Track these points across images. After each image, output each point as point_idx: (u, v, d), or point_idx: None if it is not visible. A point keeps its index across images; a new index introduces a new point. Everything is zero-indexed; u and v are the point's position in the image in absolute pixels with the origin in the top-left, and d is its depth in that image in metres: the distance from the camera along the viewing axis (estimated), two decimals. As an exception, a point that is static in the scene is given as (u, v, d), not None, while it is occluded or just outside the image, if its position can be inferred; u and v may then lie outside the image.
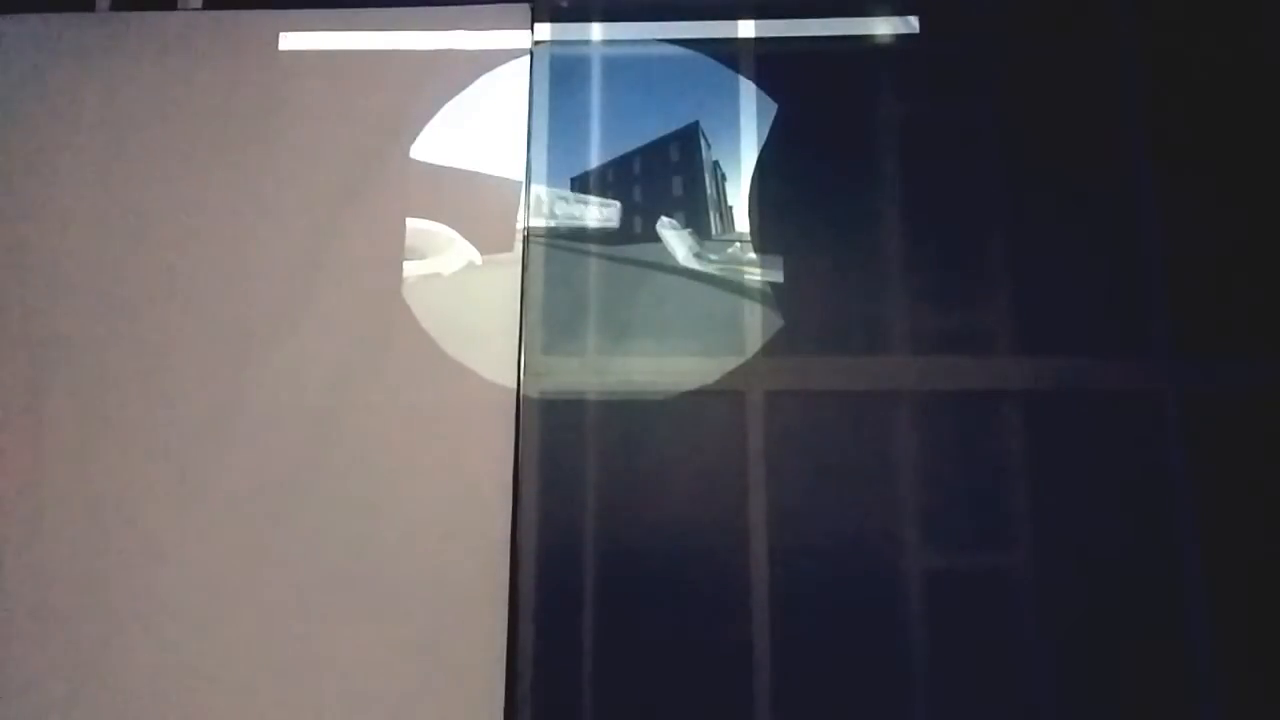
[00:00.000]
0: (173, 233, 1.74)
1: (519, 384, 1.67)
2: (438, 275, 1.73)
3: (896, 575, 1.60)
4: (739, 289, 1.72)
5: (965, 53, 1.81)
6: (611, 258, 1.74)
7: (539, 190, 1.77)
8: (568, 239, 1.75)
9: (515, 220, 1.75)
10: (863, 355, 1.69)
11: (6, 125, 1.80)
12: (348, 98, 1.79)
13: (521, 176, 1.76)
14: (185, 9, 1.86)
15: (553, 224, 1.76)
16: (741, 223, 1.74)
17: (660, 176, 1.78)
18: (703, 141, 1.79)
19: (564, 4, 1.84)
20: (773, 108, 1.79)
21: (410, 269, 1.72)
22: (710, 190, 1.77)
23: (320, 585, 1.60)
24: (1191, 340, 1.67)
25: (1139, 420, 1.64)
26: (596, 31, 1.85)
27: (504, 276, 1.72)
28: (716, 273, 1.73)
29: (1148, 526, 1.60)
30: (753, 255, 1.73)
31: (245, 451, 1.65)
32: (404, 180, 1.76)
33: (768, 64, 1.81)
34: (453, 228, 1.75)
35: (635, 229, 1.76)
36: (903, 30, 1.82)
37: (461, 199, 1.77)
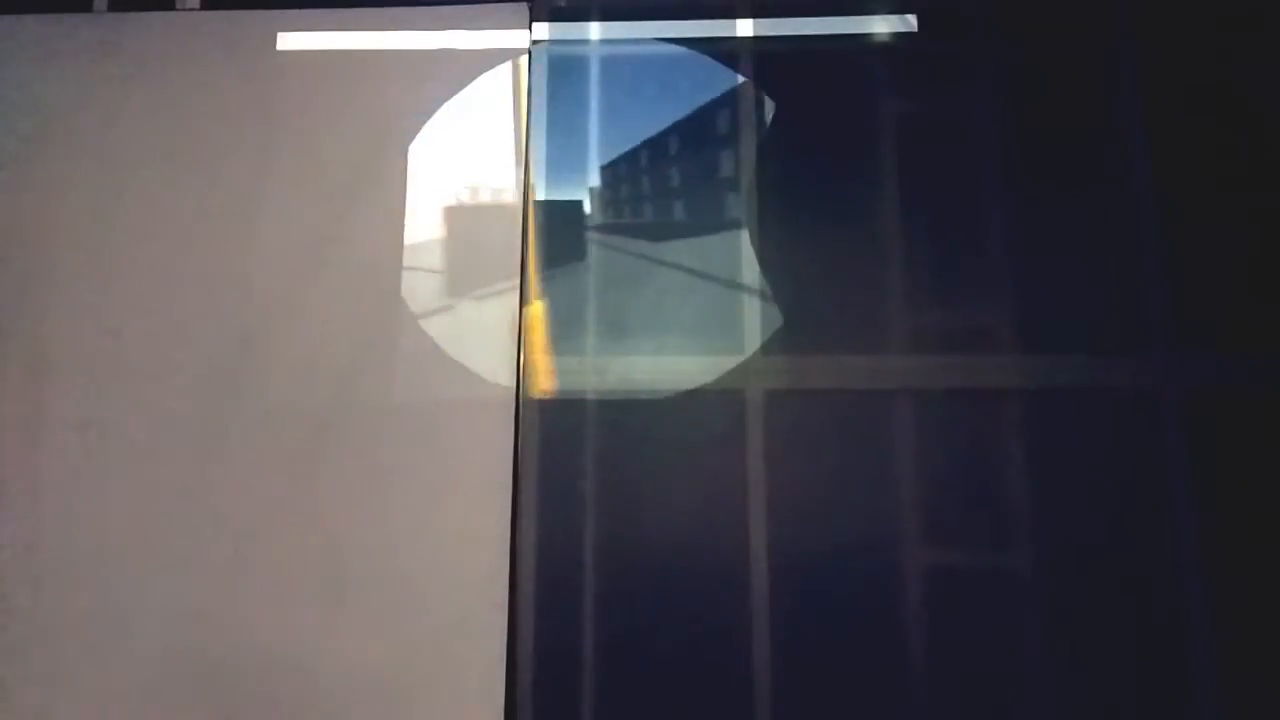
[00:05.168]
0: (171, 232, 1.74)
1: (519, 384, 1.67)
2: (437, 274, 1.73)
3: (896, 573, 1.60)
4: (738, 287, 1.72)
5: (964, 51, 1.80)
6: (612, 255, 1.74)
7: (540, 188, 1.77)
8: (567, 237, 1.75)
9: (514, 219, 1.75)
10: (862, 354, 1.69)
11: (3, 125, 1.79)
12: (346, 98, 1.79)
13: (520, 176, 1.76)
14: (183, 9, 1.86)
15: (554, 223, 1.76)
16: (740, 220, 1.75)
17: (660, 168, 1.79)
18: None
19: (562, 3, 1.84)
20: (771, 106, 1.79)
21: (410, 268, 1.72)
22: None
23: (320, 585, 1.60)
24: (1191, 337, 1.67)
25: (1139, 418, 1.64)
26: (595, 30, 1.85)
27: (503, 276, 1.72)
28: (716, 271, 1.73)
29: (1148, 524, 1.60)
30: (752, 253, 1.73)
31: (244, 452, 1.65)
32: (402, 180, 1.76)
33: (766, 63, 1.81)
34: (451, 227, 1.75)
35: (635, 227, 1.76)
36: (901, 29, 1.82)
37: (460, 198, 1.76)
